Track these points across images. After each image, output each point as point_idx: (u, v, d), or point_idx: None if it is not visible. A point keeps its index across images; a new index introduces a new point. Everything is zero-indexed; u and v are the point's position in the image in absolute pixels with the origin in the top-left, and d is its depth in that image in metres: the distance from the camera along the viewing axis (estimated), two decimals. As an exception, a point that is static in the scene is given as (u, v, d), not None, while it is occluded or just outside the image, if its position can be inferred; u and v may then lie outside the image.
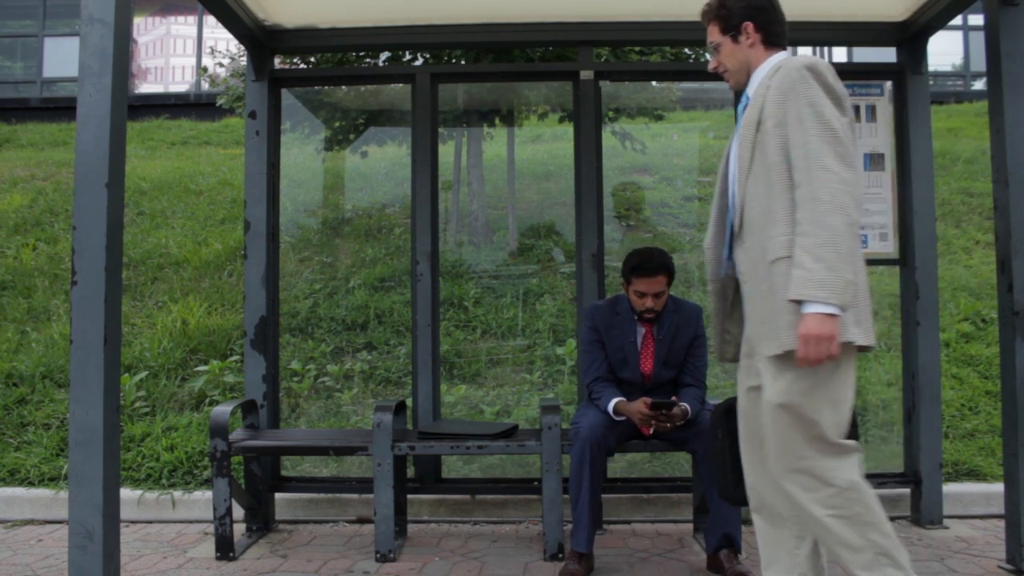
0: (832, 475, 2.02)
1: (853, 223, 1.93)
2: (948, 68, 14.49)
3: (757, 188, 2.12)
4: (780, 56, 2.20)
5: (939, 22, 3.61)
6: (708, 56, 2.36)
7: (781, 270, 2.01)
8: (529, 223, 7.16)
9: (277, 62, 4.28)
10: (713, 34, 2.30)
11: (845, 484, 2.01)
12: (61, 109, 12.06)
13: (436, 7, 3.76)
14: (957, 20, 6.57)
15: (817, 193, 1.94)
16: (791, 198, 2.02)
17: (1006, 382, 3.06)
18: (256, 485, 3.66)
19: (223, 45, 8.74)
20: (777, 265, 2.03)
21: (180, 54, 14.89)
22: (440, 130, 4.41)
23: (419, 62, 6.06)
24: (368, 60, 6.19)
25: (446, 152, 7.02)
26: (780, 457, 2.07)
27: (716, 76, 2.36)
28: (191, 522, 3.88)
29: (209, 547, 3.40)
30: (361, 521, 3.84)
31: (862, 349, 2.09)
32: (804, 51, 11.27)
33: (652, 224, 7.25)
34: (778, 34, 2.25)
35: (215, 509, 3.27)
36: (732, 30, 2.25)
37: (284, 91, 4.02)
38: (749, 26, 2.23)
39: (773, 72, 2.14)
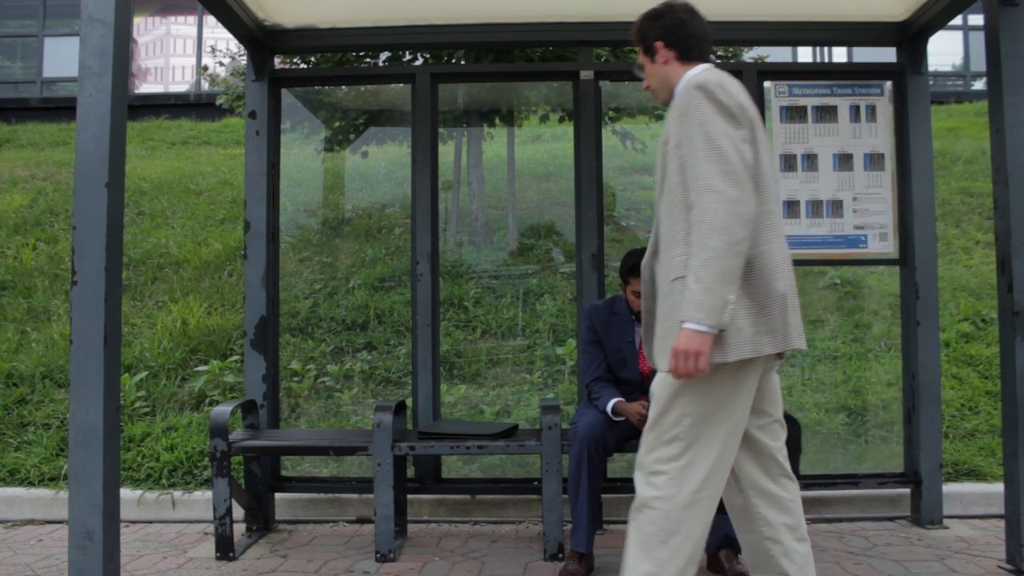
0: (656, 479, 2.04)
1: (736, 242, 1.94)
2: (948, 68, 14.49)
3: (665, 208, 2.15)
4: (696, 70, 2.19)
5: (939, 22, 3.62)
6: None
7: (678, 289, 2.04)
8: (529, 223, 7.16)
9: (277, 62, 4.29)
10: (640, 55, 2.33)
11: (658, 493, 2.03)
12: (61, 109, 12.07)
13: (436, 7, 3.76)
14: (957, 20, 6.57)
15: (703, 215, 1.97)
16: (688, 219, 2.05)
17: (1006, 382, 3.06)
18: (256, 485, 3.66)
19: (223, 45, 8.74)
20: (675, 285, 2.07)
21: (180, 54, 14.89)
22: (440, 130, 4.41)
23: (419, 62, 6.06)
24: (368, 60, 6.19)
25: (446, 152, 7.02)
26: (643, 442, 2.14)
27: None
28: (191, 522, 3.88)
29: (209, 547, 3.40)
30: (361, 521, 3.84)
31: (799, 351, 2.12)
32: (804, 51, 11.28)
33: (652, 224, 7.24)
34: (692, 47, 2.24)
35: (215, 509, 3.27)
36: (649, 51, 2.28)
37: (284, 91, 4.03)
38: (659, 45, 2.24)
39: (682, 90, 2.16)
